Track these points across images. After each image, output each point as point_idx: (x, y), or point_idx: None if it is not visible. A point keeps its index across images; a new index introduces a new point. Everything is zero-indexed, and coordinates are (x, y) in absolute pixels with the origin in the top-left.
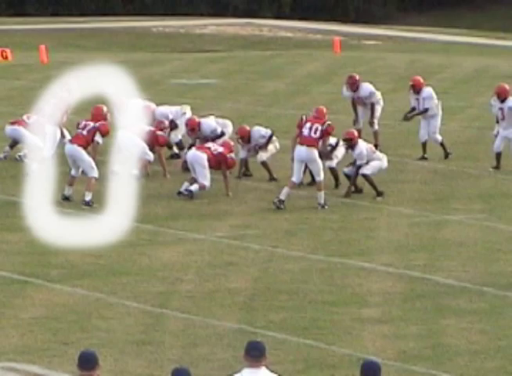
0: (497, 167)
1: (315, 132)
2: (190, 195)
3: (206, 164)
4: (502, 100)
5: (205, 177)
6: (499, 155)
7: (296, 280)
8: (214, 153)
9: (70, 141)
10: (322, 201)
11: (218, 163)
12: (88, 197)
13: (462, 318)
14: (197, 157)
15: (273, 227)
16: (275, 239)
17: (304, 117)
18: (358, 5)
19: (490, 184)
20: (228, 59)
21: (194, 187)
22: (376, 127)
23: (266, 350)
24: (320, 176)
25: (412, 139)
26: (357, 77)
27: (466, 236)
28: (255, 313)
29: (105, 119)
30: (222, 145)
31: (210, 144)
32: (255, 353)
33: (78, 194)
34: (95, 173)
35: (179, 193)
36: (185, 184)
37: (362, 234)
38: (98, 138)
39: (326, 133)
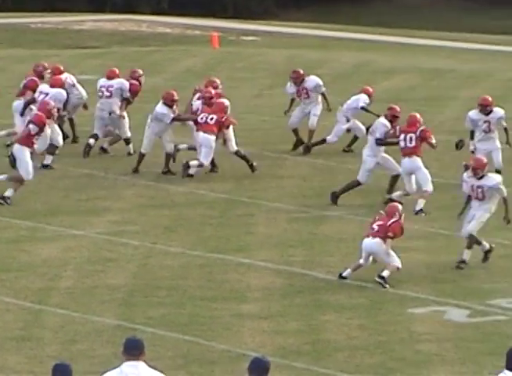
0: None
1: (411, 141)
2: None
3: (213, 144)
4: (487, 112)
5: (208, 157)
6: None
7: (175, 276)
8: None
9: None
10: (419, 208)
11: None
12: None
13: (341, 314)
14: (206, 139)
15: (152, 223)
16: (154, 235)
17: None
18: (236, 1)
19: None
20: (107, 55)
21: (194, 170)
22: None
23: (144, 346)
24: (428, 186)
25: (291, 135)
26: (301, 72)
27: (345, 232)
28: (134, 309)
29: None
30: (215, 110)
31: (203, 117)
32: (133, 351)
33: None
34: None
35: (189, 175)
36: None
37: (241, 230)
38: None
39: (423, 139)
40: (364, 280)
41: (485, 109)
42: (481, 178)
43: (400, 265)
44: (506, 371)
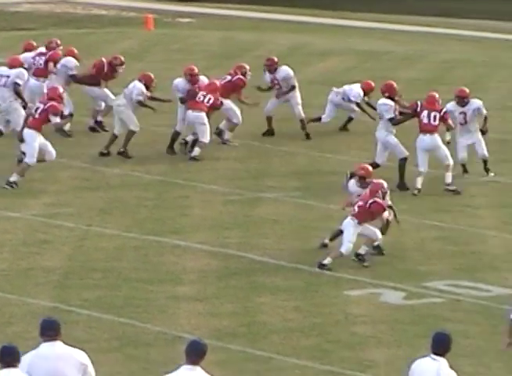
0: (465, 171)
1: (435, 120)
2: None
3: (206, 120)
4: (464, 104)
5: (206, 134)
6: (464, 165)
7: (110, 258)
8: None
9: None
10: (449, 181)
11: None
12: (14, 178)
13: (277, 296)
14: (197, 117)
15: (87, 205)
16: (89, 217)
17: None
18: None
19: (305, 162)
20: (42, 37)
21: (195, 151)
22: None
23: (60, 326)
24: (450, 160)
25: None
26: (275, 59)
27: (280, 214)
28: (70, 291)
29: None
30: (209, 90)
31: (201, 96)
32: (49, 332)
33: None
34: (31, 160)
35: (191, 158)
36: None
37: (176, 212)
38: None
39: (444, 119)
40: (300, 262)
41: (462, 101)
42: (367, 186)
43: (378, 237)
44: (433, 355)
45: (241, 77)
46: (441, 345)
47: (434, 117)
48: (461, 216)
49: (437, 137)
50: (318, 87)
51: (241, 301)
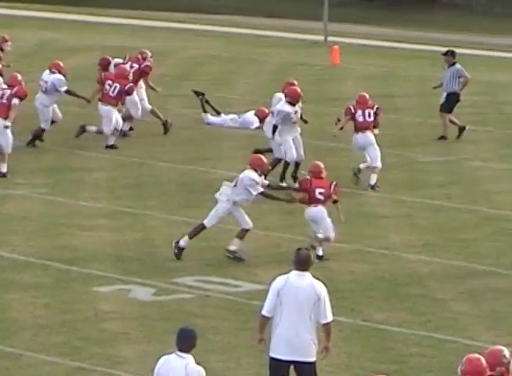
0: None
1: (369, 116)
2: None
3: (113, 115)
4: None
5: (109, 126)
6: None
7: None
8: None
9: None
10: (373, 182)
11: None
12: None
13: (26, 292)
14: (106, 111)
15: None
16: None
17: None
18: None
19: (53, 158)
20: None
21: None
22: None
23: None
24: (379, 162)
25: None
26: (110, 59)
27: (29, 211)
28: None
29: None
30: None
31: (107, 88)
32: None
33: None
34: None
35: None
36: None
37: None
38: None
39: (377, 115)
40: (49, 259)
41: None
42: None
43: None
44: (179, 352)
45: (148, 63)
46: (185, 342)
47: (369, 114)
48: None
49: (370, 135)
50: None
51: None
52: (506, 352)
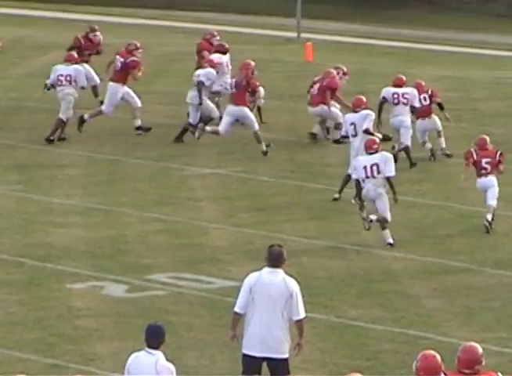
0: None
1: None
2: None
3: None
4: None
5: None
6: None
7: None
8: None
9: None
10: None
11: None
12: None
13: (0, 289)
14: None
15: None
16: None
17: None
18: None
19: (26, 155)
20: None
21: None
22: None
23: None
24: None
25: None
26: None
27: (2, 208)
28: None
29: None
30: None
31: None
32: None
33: None
34: None
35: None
36: None
37: None
38: None
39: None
40: (22, 256)
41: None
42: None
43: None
44: (148, 349)
45: (134, 58)
46: (154, 338)
47: (424, 98)
48: (183, 209)
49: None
50: (39, 80)
51: None
52: (481, 350)
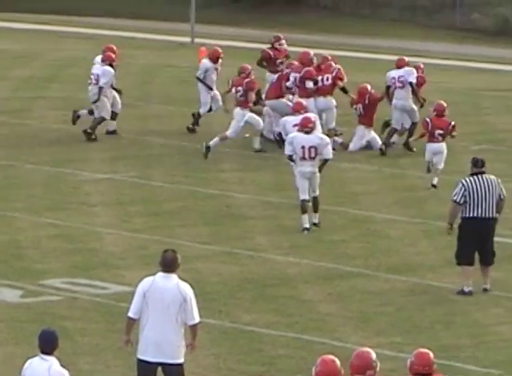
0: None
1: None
2: None
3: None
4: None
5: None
6: None
7: None
8: None
9: None
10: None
11: None
12: None
13: None
14: None
15: None
16: None
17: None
18: None
19: None
20: None
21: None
22: None
23: None
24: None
25: None
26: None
27: None
28: None
29: None
30: None
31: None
32: None
33: None
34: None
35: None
36: None
37: None
38: None
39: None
40: None
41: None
42: None
43: None
44: (42, 355)
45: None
46: (47, 344)
47: (327, 78)
48: (77, 214)
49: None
50: None
51: None
52: (374, 355)
